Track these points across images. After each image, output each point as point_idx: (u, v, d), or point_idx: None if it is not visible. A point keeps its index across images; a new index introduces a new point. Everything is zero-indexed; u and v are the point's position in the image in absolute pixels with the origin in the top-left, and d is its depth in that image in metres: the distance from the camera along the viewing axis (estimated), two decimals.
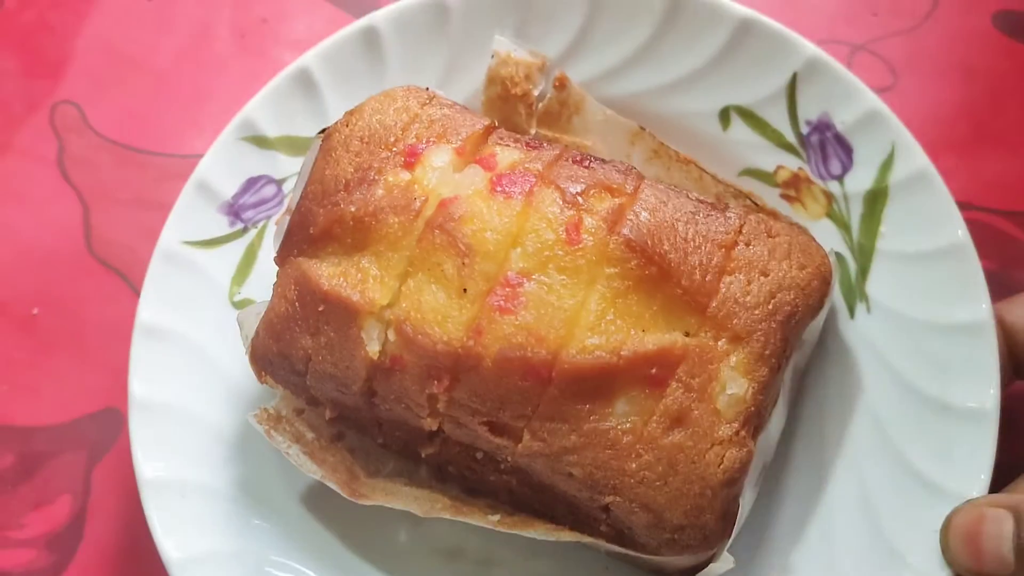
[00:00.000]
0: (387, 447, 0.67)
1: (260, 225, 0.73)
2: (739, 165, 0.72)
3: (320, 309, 0.60)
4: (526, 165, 0.61)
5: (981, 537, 0.58)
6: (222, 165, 0.71)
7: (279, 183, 0.73)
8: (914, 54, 0.76)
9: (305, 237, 0.62)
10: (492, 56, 0.72)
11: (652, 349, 0.57)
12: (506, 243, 0.58)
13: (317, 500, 0.69)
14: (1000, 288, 0.66)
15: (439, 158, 0.61)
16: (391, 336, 0.59)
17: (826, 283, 0.61)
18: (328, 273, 0.60)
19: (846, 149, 0.69)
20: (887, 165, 0.68)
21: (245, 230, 0.72)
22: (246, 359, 0.69)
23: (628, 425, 0.57)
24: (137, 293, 0.70)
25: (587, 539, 0.61)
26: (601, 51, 0.73)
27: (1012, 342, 0.65)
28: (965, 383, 0.63)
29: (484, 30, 0.73)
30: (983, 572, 0.59)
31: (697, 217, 0.60)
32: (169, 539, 0.64)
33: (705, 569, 0.60)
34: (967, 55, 0.84)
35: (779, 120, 0.71)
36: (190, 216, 0.71)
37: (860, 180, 0.69)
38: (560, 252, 0.58)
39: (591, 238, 0.58)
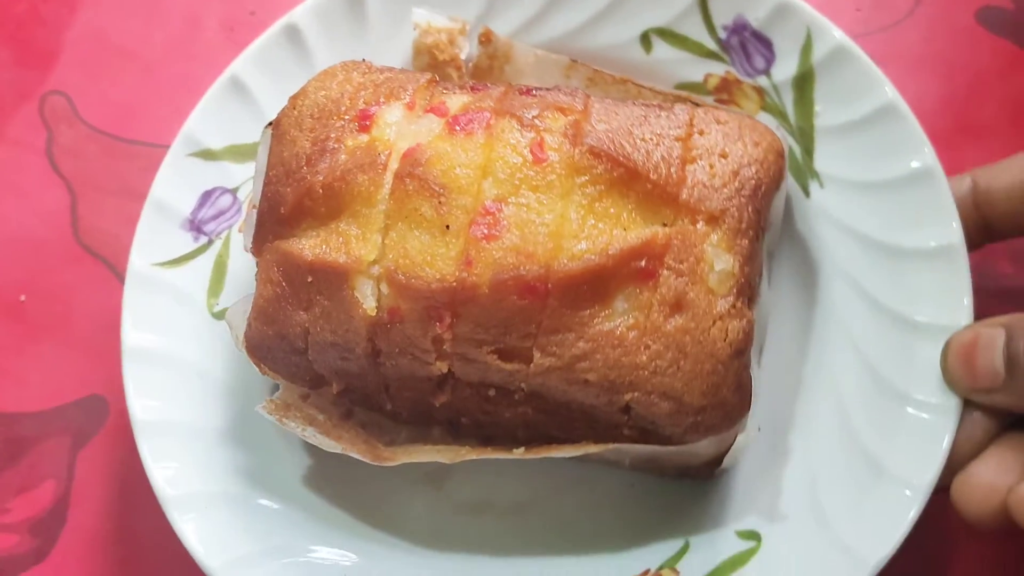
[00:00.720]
0: (397, 415, 0.68)
1: (223, 235, 0.73)
2: (669, 83, 0.75)
3: (309, 281, 0.61)
4: (477, 104, 0.63)
5: (975, 354, 0.61)
6: (175, 183, 0.72)
7: (233, 192, 0.74)
8: (897, 49, 0.75)
9: (278, 220, 0.63)
10: (414, 28, 0.74)
11: (637, 243, 0.59)
12: (477, 175, 0.60)
13: (329, 485, 0.69)
14: (981, 280, 0.66)
15: (392, 114, 0.63)
16: (384, 289, 0.60)
17: (781, 156, 0.64)
18: (309, 245, 0.61)
19: (765, 43, 0.72)
20: (807, 48, 0.71)
21: (210, 243, 0.73)
22: (238, 365, 0.70)
23: (631, 321, 0.59)
24: (121, 280, 0.71)
25: (612, 446, 0.62)
26: (516, 3, 0.76)
27: (982, 202, 0.68)
28: (926, 226, 0.66)
29: (402, 8, 0.76)
30: (978, 388, 0.62)
31: (649, 119, 0.63)
32: (204, 547, 0.63)
33: (732, 446, 0.62)
34: (950, 50, 0.85)
35: (697, 32, 0.74)
36: (154, 238, 0.71)
37: (785, 69, 0.72)
38: (530, 172, 0.60)
39: (556, 154, 0.60)
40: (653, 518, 0.68)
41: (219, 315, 0.71)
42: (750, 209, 0.61)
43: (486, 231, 0.59)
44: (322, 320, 0.61)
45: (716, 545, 0.65)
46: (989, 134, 0.75)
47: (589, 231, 0.59)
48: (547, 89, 0.65)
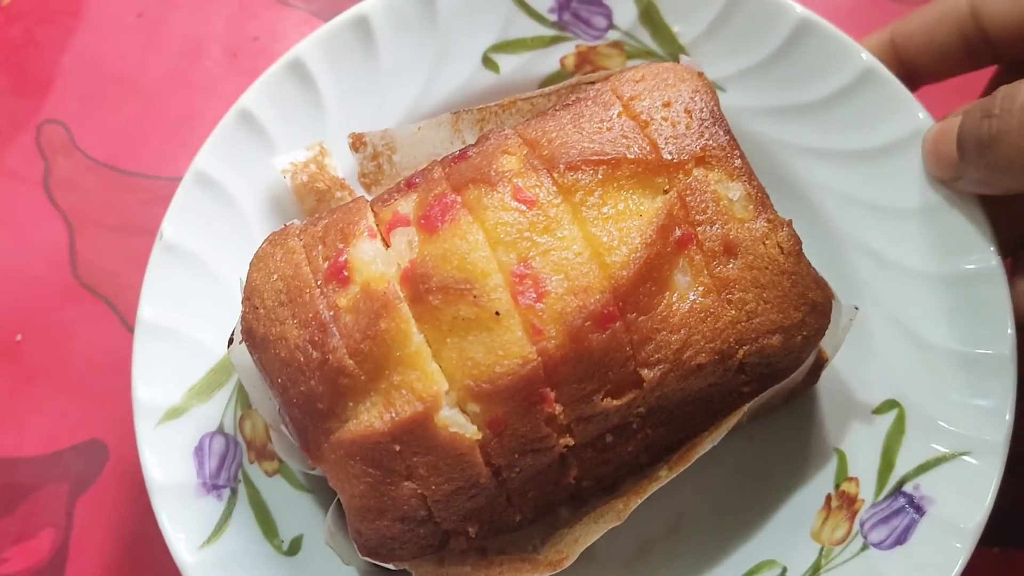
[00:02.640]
0: (523, 520, 0.63)
1: (240, 476, 0.66)
2: (533, 85, 0.74)
3: (397, 450, 0.56)
4: (432, 193, 0.59)
5: (941, 143, 0.64)
6: (162, 457, 0.64)
7: (220, 431, 0.67)
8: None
9: (320, 417, 0.57)
10: (283, 175, 0.70)
11: (660, 219, 0.58)
12: (488, 252, 0.57)
13: None
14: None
15: (364, 252, 0.58)
16: (473, 408, 0.56)
17: (702, 76, 0.64)
18: (374, 417, 0.56)
19: (595, 3, 0.73)
20: None
21: (234, 492, 0.65)
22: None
23: (701, 289, 0.58)
24: (122, 320, 0.75)
25: (742, 411, 0.61)
26: (354, 102, 0.73)
27: (904, 59, 0.69)
28: (825, 72, 0.69)
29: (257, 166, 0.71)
30: (944, 176, 0.65)
31: (583, 114, 0.62)
32: None
33: (840, 331, 0.62)
34: None
35: (529, 28, 0.74)
36: (182, 523, 0.63)
37: (626, 14, 0.73)
38: (532, 219, 0.57)
39: (539, 190, 0.58)
40: (793, 453, 0.67)
41: (290, 551, 0.65)
42: (721, 133, 0.61)
43: (533, 294, 0.56)
44: (433, 476, 0.56)
45: (866, 435, 0.65)
46: None
47: (617, 236, 0.57)
48: (472, 145, 0.62)
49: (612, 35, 0.73)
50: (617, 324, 0.56)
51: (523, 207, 0.58)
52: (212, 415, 0.67)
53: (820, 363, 0.65)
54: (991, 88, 0.66)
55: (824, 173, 0.70)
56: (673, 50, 0.73)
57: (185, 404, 0.66)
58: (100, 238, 0.81)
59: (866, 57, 0.68)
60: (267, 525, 0.65)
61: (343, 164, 0.72)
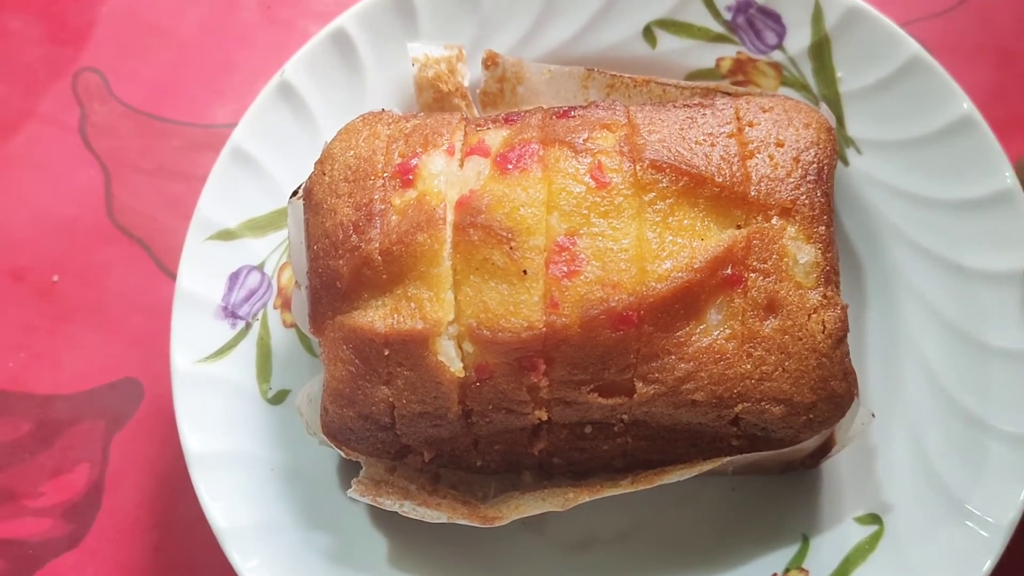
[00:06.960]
0: (485, 468, 0.65)
1: (260, 316, 0.69)
2: (680, 73, 0.73)
3: (386, 354, 0.58)
4: (520, 136, 0.60)
5: None
6: (199, 272, 0.68)
7: (260, 268, 0.70)
8: (949, 36, 0.72)
9: (335, 295, 0.59)
10: (412, 64, 0.71)
11: (719, 251, 0.57)
12: (542, 212, 0.57)
13: (426, 557, 0.66)
14: None
15: (435, 163, 0.60)
16: (468, 348, 0.57)
17: (830, 131, 0.62)
18: (379, 316, 0.58)
19: (774, 18, 0.71)
20: (817, 16, 0.70)
21: (248, 326, 0.69)
22: (307, 448, 0.66)
23: (728, 332, 0.57)
24: (157, 262, 0.76)
25: (722, 461, 0.60)
26: (509, 20, 0.73)
27: None
28: (973, 173, 0.66)
29: (393, 48, 0.72)
30: None
31: (696, 120, 0.61)
32: None
33: (845, 434, 0.61)
34: (1002, 38, 0.83)
35: (700, 17, 0.72)
36: (191, 333, 0.67)
37: (799, 40, 0.71)
38: (596, 199, 0.57)
39: (617, 175, 0.58)
40: (764, 520, 0.66)
41: (274, 400, 0.68)
42: (819, 193, 0.59)
43: (565, 268, 0.56)
44: (407, 392, 0.58)
45: (837, 536, 0.64)
46: None
47: (669, 248, 0.57)
48: (583, 107, 0.62)
49: (776, 56, 0.71)
50: (631, 330, 0.56)
51: (593, 184, 0.57)
52: (259, 252, 0.70)
53: (826, 451, 0.63)
54: None
55: (921, 274, 0.67)
56: (828, 93, 0.70)
57: (239, 231, 0.69)
58: (135, 182, 0.82)
59: (1010, 178, 0.64)
60: (264, 368, 0.68)
61: (473, 76, 0.72)
